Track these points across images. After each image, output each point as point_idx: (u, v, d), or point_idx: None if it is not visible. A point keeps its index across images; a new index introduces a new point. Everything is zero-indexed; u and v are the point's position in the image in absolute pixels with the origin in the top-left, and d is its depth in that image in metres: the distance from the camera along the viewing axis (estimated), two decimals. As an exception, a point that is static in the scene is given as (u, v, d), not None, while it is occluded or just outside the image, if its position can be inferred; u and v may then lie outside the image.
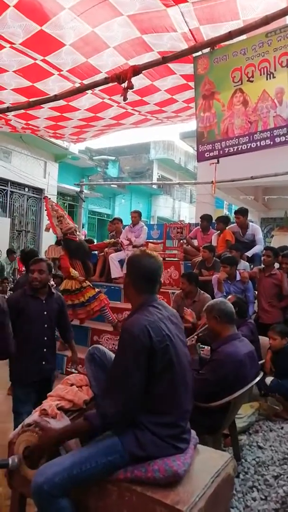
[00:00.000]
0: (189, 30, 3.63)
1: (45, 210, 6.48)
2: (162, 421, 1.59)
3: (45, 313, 2.92)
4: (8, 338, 2.21)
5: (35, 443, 1.67)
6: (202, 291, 4.53)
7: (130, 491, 1.52)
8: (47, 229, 5.61)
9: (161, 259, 1.88)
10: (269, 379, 3.52)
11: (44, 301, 2.94)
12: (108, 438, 1.57)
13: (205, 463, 1.71)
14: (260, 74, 3.60)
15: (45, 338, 2.91)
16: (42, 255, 10.57)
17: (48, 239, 12.49)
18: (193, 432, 1.80)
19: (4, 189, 11.14)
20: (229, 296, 3.92)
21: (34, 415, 1.96)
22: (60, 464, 1.53)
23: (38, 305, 2.91)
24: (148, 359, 1.54)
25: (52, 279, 7.17)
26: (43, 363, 2.89)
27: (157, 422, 1.58)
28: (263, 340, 3.91)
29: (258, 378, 2.61)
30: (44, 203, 6.12)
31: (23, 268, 9.03)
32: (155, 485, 1.51)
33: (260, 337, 3.88)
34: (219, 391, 2.38)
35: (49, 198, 5.78)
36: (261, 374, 2.75)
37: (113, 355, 2.06)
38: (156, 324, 1.60)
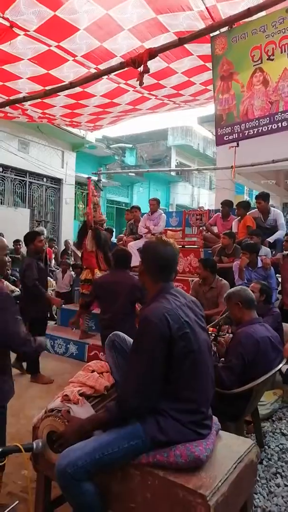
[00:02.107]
0: (206, 8, 3.50)
1: (87, 193, 6.50)
2: (184, 408, 1.58)
3: None
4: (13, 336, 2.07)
5: (60, 433, 1.68)
6: (220, 278, 4.48)
7: (153, 475, 1.52)
8: (85, 214, 5.65)
9: (178, 246, 1.85)
10: (285, 367, 3.46)
11: None
12: (130, 424, 1.58)
13: (228, 449, 1.70)
14: (281, 52, 3.45)
15: None
16: (62, 245, 10.66)
17: (67, 229, 12.63)
18: (215, 419, 1.79)
19: (23, 180, 11.25)
20: (252, 284, 3.84)
21: (57, 401, 1.98)
22: (83, 448, 1.54)
23: None
24: (167, 347, 1.53)
25: (72, 269, 7.30)
26: None
27: (178, 408, 1.57)
28: (286, 327, 3.84)
29: (281, 365, 2.57)
30: (87, 186, 6.13)
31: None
32: (178, 469, 1.51)
33: (283, 324, 3.82)
34: (239, 372, 2.38)
35: (92, 180, 5.90)
36: (284, 361, 2.71)
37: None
38: (175, 312, 1.59)
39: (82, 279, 5.29)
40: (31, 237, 4.49)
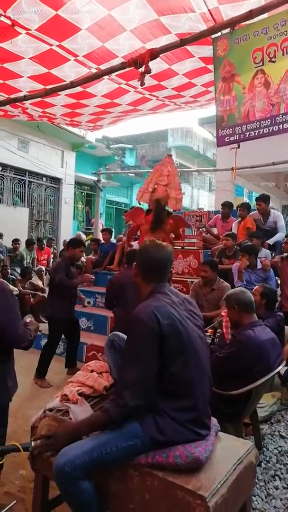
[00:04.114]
0: (208, 10, 3.51)
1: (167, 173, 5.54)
2: (180, 406, 1.58)
3: None
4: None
5: (53, 432, 1.67)
6: (221, 279, 4.48)
7: (152, 476, 1.51)
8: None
9: (171, 248, 1.87)
10: (283, 369, 3.46)
11: None
12: (129, 423, 1.57)
13: (227, 451, 1.69)
14: (283, 54, 3.46)
15: None
16: (60, 244, 10.61)
17: (66, 229, 12.61)
18: (214, 420, 1.78)
19: (23, 179, 11.24)
20: (256, 287, 3.83)
21: (55, 401, 1.98)
22: (81, 447, 1.53)
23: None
24: (158, 344, 1.53)
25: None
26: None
27: (175, 407, 1.57)
28: (286, 329, 3.83)
29: (280, 367, 2.57)
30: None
31: (42, 257, 9.16)
32: (177, 470, 1.50)
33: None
34: (238, 375, 2.37)
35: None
36: (284, 363, 2.71)
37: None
38: (164, 309, 1.60)
39: None
40: (77, 243, 4.60)
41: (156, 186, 4.25)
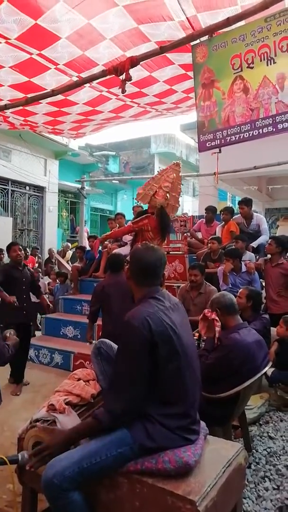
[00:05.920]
0: (187, 18, 3.57)
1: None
2: (171, 413, 1.57)
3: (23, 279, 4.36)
4: None
5: (44, 444, 1.65)
6: (208, 283, 4.50)
7: (141, 483, 1.50)
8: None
9: (163, 251, 1.87)
10: (269, 370, 3.49)
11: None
12: (118, 431, 1.55)
13: (216, 454, 1.69)
14: (260, 60, 3.54)
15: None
16: (45, 253, 10.44)
17: (50, 237, 12.52)
18: (203, 423, 1.78)
19: (5, 188, 11.14)
20: (241, 289, 3.85)
21: (42, 411, 1.95)
22: (70, 458, 1.51)
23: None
24: (150, 351, 1.52)
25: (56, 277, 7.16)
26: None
27: (166, 413, 1.56)
28: (272, 331, 3.87)
29: (266, 368, 2.59)
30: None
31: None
32: (166, 476, 1.49)
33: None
34: (225, 378, 2.37)
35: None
36: (270, 364, 2.73)
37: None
38: (157, 315, 1.58)
39: None
40: (8, 246, 4.47)
41: (157, 190, 4.22)
